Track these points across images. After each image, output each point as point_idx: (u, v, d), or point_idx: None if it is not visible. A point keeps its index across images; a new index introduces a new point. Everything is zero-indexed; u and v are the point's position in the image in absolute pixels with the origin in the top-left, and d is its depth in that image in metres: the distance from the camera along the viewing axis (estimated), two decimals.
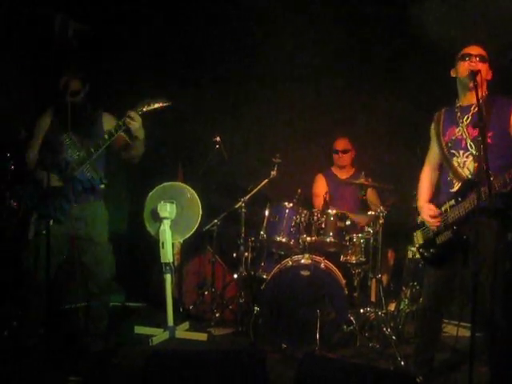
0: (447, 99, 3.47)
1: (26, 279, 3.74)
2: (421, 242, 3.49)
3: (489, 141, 3.02)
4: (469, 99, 3.24)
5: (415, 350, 3.66)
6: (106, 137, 3.72)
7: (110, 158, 4.05)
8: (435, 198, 3.47)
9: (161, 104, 3.75)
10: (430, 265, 3.47)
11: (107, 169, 4.01)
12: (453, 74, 3.33)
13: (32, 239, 3.70)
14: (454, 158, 3.26)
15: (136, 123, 3.68)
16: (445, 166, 3.35)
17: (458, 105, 3.33)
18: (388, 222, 4.48)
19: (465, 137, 3.22)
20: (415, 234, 3.54)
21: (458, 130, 3.27)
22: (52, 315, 3.81)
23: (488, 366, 3.29)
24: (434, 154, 3.48)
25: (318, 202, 5.16)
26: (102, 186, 3.86)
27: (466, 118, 3.25)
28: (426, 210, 3.37)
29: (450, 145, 3.29)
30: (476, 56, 3.22)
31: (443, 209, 3.29)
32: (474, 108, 3.14)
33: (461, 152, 3.23)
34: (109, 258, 3.96)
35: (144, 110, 3.71)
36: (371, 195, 5.12)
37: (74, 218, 3.73)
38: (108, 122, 3.93)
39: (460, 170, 3.22)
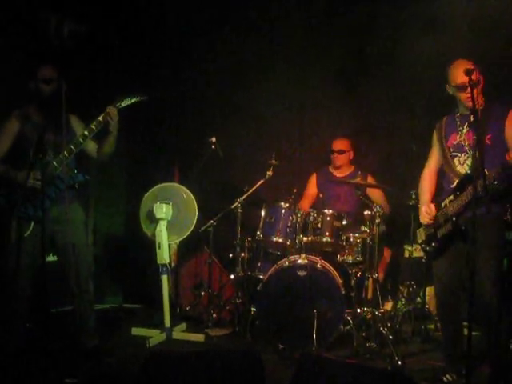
0: (443, 103, 3.73)
1: (7, 284, 3.73)
2: (423, 238, 3.71)
3: (488, 142, 3.36)
4: (466, 108, 3.50)
5: (443, 349, 3.76)
6: (86, 133, 3.75)
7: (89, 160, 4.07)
8: (437, 197, 3.68)
9: (137, 99, 3.88)
10: (434, 258, 3.65)
11: (79, 167, 3.97)
12: (448, 89, 3.54)
13: (14, 243, 3.68)
14: (456, 159, 3.54)
15: (115, 118, 3.80)
16: (447, 167, 3.59)
17: (457, 114, 3.60)
18: (384, 220, 4.48)
19: (465, 143, 3.51)
20: (418, 231, 3.79)
21: (458, 136, 3.56)
22: (42, 319, 3.79)
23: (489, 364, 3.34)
24: (434, 160, 3.74)
25: (302, 203, 5.18)
26: (82, 179, 3.84)
27: (465, 125, 3.53)
28: (425, 208, 3.62)
29: (451, 149, 3.57)
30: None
31: (443, 204, 3.54)
32: (471, 117, 3.45)
33: (462, 154, 3.52)
34: (87, 258, 3.98)
35: (123, 104, 3.84)
36: (376, 195, 5.09)
37: (53, 221, 3.75)
38: (75, 123, 3.95)
39: (460, 168, 3.50)
